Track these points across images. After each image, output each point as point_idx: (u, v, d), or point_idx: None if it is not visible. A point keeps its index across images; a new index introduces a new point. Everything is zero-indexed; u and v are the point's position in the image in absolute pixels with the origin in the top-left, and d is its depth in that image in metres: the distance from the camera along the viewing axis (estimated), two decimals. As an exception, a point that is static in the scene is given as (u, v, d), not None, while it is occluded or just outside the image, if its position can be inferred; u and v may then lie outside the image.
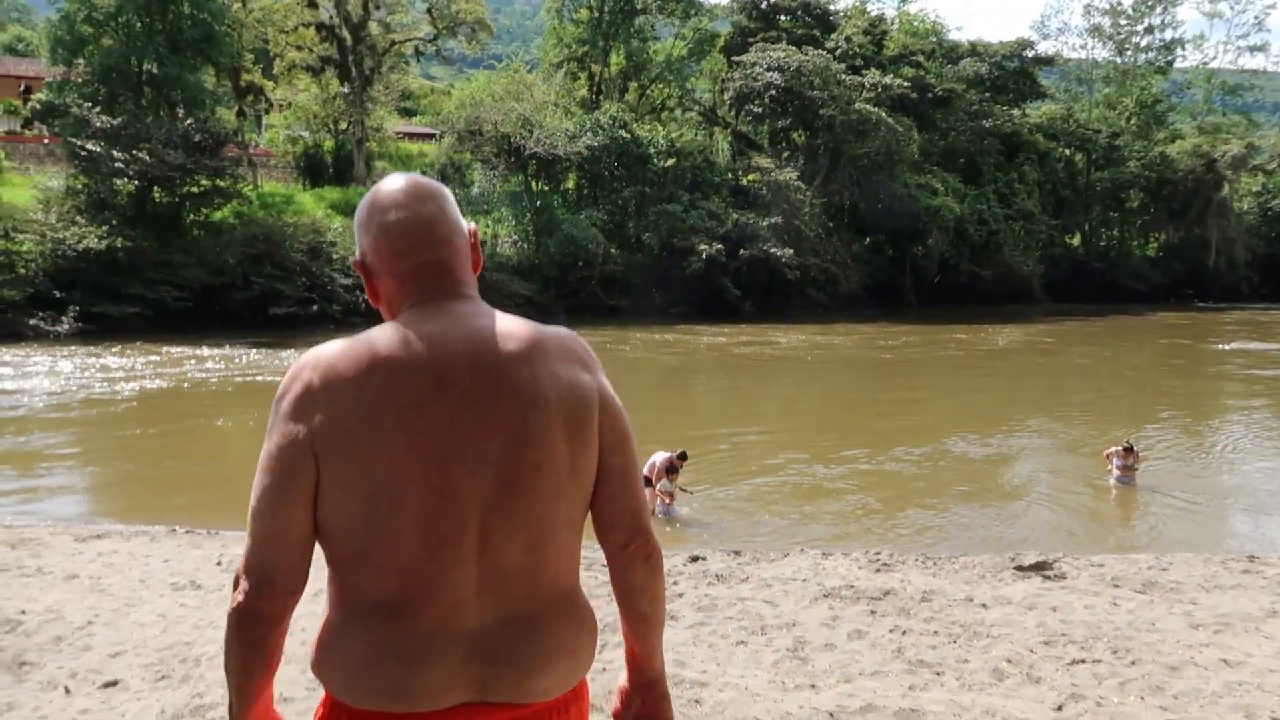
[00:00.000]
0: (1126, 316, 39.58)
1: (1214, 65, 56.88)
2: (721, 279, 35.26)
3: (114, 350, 21.88)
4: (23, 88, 45.48)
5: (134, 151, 27.19)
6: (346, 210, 36.19)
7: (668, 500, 9.19)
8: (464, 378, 1.40)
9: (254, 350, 22.98)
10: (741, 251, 35.30)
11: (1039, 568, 5.85)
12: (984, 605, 5.12)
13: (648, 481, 9.27)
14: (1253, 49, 55.57)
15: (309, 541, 1.41)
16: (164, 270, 27.33)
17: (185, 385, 17.37)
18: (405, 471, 1.36)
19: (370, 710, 1.40)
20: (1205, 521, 8.91)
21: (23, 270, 25.49)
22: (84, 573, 5.87)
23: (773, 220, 36.24)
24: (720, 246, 34.91)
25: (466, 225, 1.63)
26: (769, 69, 38.58)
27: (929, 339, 30.10)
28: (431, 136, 50.10)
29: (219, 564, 6.06)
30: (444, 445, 1.37)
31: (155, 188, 28.65)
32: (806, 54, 39.05)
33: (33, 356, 20.59)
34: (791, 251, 35.77)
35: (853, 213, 42.04)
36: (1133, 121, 53.03)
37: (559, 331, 1.58)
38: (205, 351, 22.29)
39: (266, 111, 46.22)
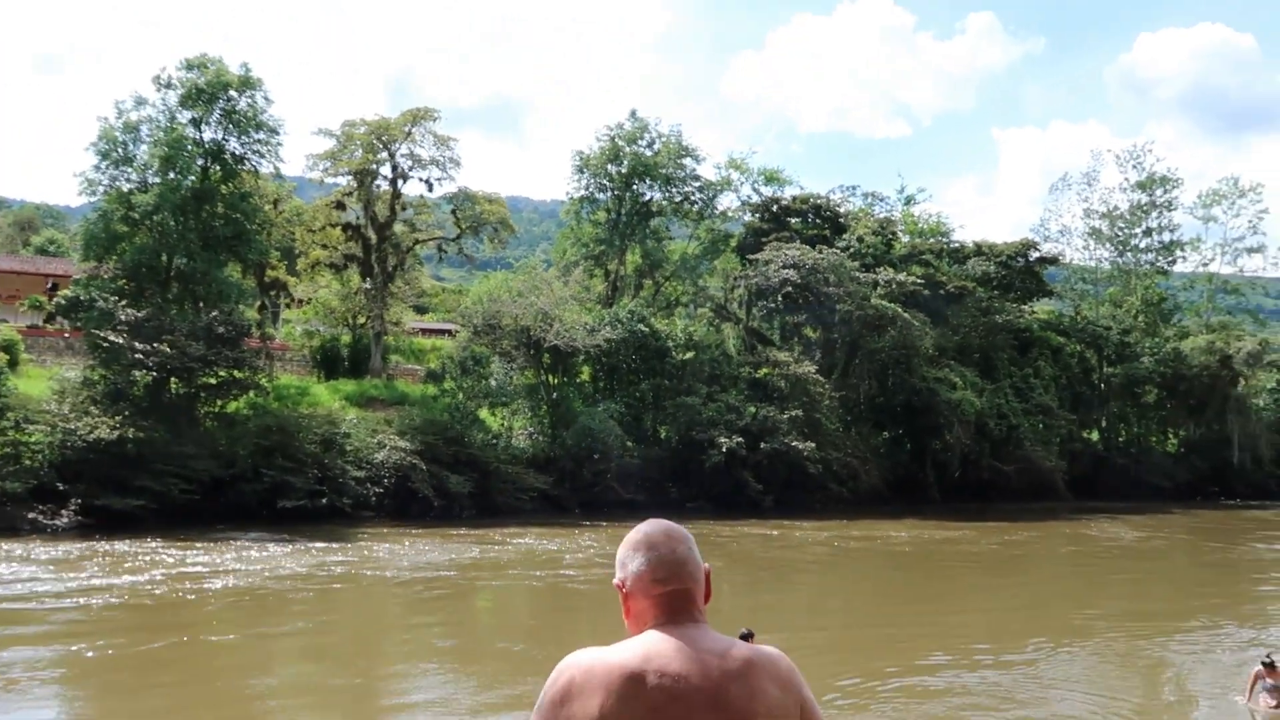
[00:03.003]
0: (1176, 514, 38.42)
1: (1213, 266, 58.22)
2: (742, 472, 34.41)
3: (114, 549, 20.81)
4: (50, 284, 46.49)
5: (155, 343, 27.12)
6: (361, 402, 35.91)
7: None
8: (690, 693, 1.70)
9: (264, 548, 21.88)
10: (762, 445, 34.63)
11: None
12: None
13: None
14: (1250, 250, 56.82)
15: None
16: (174, 462, 26.57)
17: (188, 589, 16.25)
18: None
19: None
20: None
21: (28, 461, 24.81)
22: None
23: (793, 413, 35.81)
24: (740, 439, 34.29)
25: (704, 565, 1.95)
26: (784, 266, 39.33)
27: (1044, 534, 30.02)
28: (444, 332, 50.77)
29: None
30: None
31: (173, 378, 28.43)
32: (821, 252, 39.93)
33: (29, 551, 19.53)
34: (813, 445, 35.10)
35: (870, 406, 41.74)
36: (1140, 319, 53.70)
37: (768, 653, 1.86)
38: (214, 555, 21.20)
39: (287, 306, 47.01)
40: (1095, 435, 51.79)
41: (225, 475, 27.53)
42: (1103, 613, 15.65)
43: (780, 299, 41.53)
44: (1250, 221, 56.46)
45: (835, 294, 38.93)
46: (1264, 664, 8.97)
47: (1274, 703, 8.70)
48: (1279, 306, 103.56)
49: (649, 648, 1.76)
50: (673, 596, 1.83)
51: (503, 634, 13.56)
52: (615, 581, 1.91)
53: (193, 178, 31.34)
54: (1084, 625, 14.23)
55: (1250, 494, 48.61)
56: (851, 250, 43.44)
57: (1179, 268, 59.15)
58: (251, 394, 30.57)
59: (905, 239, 50.22)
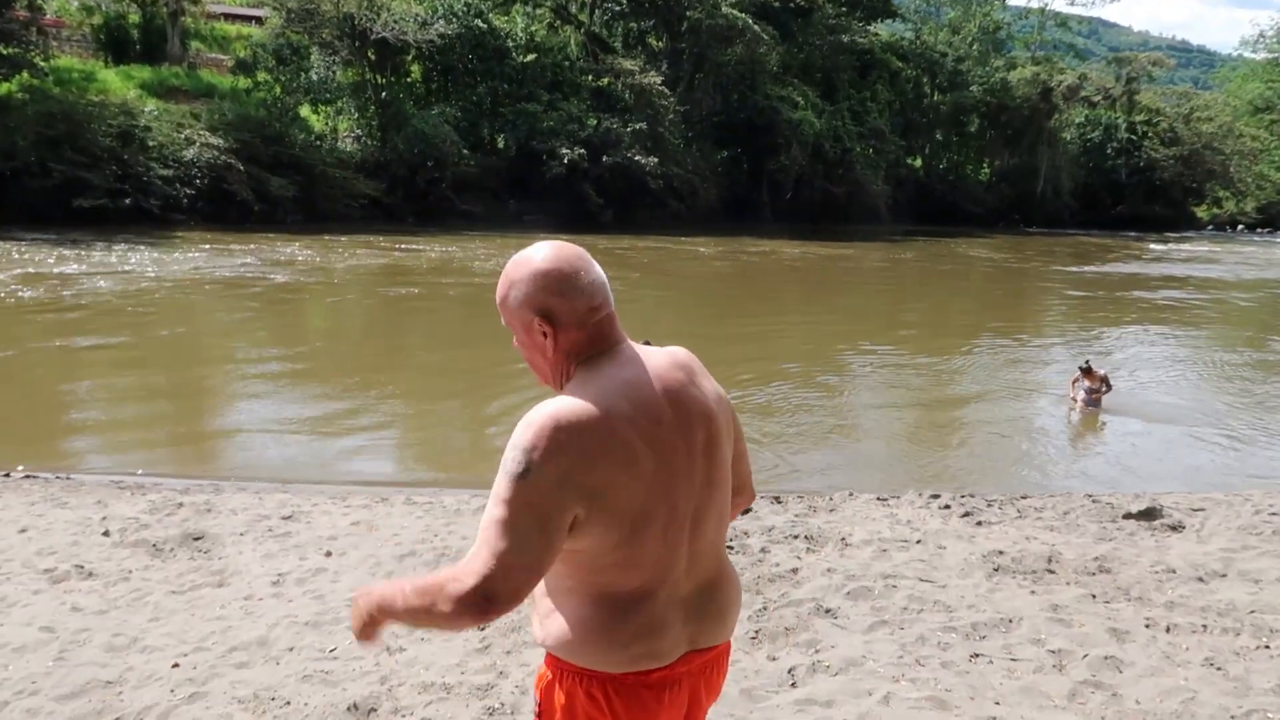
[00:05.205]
0: (993, 239, 40.87)
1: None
2: (583, 185, 33.59)
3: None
4: None
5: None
6: (160, 92, 32.04)
7: None
8: (666, 410, 1.67)
9: (59, 250, 19.73)
10: (604, 158, 33.66)
11: (1149, 515, 5.07)
12: (1200, 579, 4.21)
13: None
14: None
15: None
16: (-65, 150, 23.12)
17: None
18: (651, 494, 1.64)
19: (632, 673, 1.70)
20: (1198, 448, 8.53)
21: None
22: (-102, 554, 4.07)
23: (637, 126, 34.71)
24: (582, 151, 33.13)
25: None
26: (634, -36, 36.53)
27: (922, 254, 30.80)
28: (252, 19, 45.09)
29: (107, 534, 4.39)
30: (670, 466, 1.66)
31: (-79, 51, 24.07)
32: (673, -52, 37.21)
33: None
34: (656, 160, 34.45)
35: (712, 123, 41.07)
36: (975, 47, 54.31)
37: (687, 352, 1.83)
38: (14, 257, 18.94)
39: (56, -28, 40.08)
40: (919, 162, 53.62)
41: (4, 169, 24.30)
42: (982, 319, 16.81)
43: (626, 2, 38.97)
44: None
45: (686, -1, 36.82)
46: (1081, 369, 9.79)
47: (1085, 400, 9.57)
48: (1089, 47, 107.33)
49: (612, 383, 1.65)
50: (606, 320, 1.71)
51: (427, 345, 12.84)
52: (536, 319, 1.68)
53: None
54: (971, 327, 15.34)
55: (1046, 222, 52.45)
56: (704, -49, 40.64)
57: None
58: (25, 75, 26.54)
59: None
